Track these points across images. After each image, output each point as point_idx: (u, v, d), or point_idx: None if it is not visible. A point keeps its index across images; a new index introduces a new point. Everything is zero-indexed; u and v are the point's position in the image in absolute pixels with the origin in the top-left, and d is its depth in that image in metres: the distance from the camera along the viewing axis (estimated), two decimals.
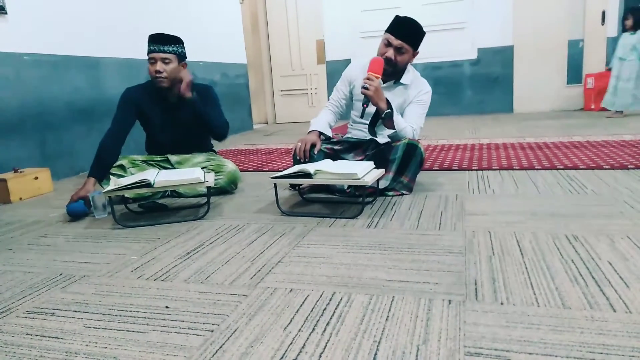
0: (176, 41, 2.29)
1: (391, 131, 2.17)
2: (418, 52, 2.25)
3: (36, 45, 3.09)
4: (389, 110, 2.11)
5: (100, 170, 2.26)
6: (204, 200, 2.32)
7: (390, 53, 2.16)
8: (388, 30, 2.19)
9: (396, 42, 2.15)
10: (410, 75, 2.30)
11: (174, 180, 1.95)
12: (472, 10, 6.06)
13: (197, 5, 4.95)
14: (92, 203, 2.13)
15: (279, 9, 6.79)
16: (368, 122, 2.22)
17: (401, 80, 2.27)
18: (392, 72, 2.22)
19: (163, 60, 2.25)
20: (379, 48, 2.23)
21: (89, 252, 1.68)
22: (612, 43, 5.86)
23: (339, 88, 2.43)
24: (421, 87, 2.30)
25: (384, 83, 2.27)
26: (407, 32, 2.16)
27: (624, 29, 4.84)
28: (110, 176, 2.20)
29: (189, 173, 2.02)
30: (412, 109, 2.27)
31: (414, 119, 2.23)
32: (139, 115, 2.40)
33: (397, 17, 2.19)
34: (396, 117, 2.14)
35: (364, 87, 2.08)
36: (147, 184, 1.90)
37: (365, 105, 2.12)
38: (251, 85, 6.47)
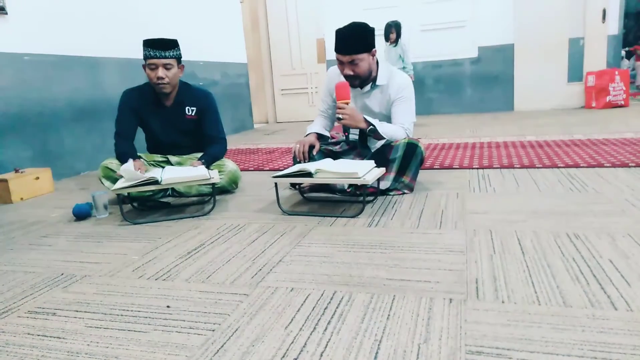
0: (175, 45, 2.27)
1: (384, 140, 2.16)
2: (375, 49, 2.16)
3: (36, 45, 3.09)
4: (372, 126, 2.10)
5: (128, 157, 2.26)
6: (204, 199, 2.33)
7: (347, 70, 2.12)
8: (335, 50, 2.13)
9: (345, 58, 2.09)
10: (386, 74, 2.24)
11: (181, 178, 1.96)
12: (472, 8, 6.05)
13: (198, 4, 4.95)
14: (93, 203, 2.13)
15: (279, 8, 6.78)
16: (356, 137, 2.23)
17: (377, 82, 2.22)
18: (362, 81, 2.19)
19: (165, 65, 2.23)
20: (337, 68, 2.20)
21: (90, 251, 1.68)
22: (613, 41, 5.86)
23: (323, 99, 2.41)
24: (399, 82, 2.23)
25: (361, 89, 2.24)
26: (350, 43, 2.07)
27: (388, 42, 5.17)
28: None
29: (194, 170, 2.03)
30: (398, 108, 2.23)
31: (402, 118, 2.21)
32: (138, 118, 2.39)
33: (336, 32, 2.10)
34: (381, 128, 2.12)
35: (338, 119, 2.08)
36: (154, 182, 1.91)
37: (346, 134, 2.12)
38: (251, 85, 6.47)
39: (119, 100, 2.37)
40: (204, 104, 2.42)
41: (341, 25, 2.09)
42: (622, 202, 1.82)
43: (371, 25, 2.13)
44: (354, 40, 2.08)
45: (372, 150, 2.26)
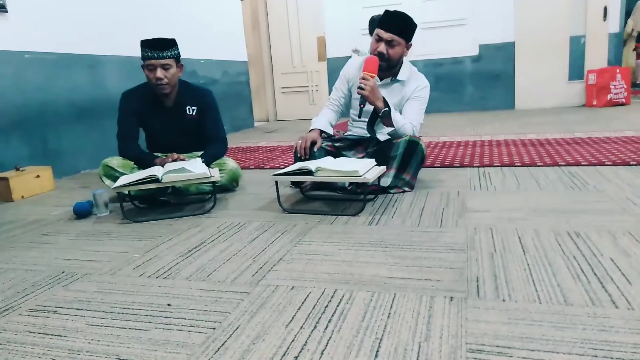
0: (173, 44, 2.25)
1: (390, 129, 2.16)
2: (411, 45, 2.23)
3: (37, 43, 3.08)
4: (387, 108, 2.11)
5: (149, 156, 2.30)
6: (205, 197, 2.33)
7: (381, 47, 2.15)
8: (378, 25, 2.18)
9: (386, 35, 2.13)
10: (407, 71, 2.28)
11: (182, 176, 1.96)
12: (473, 6, 6.04)
13: (198, 3, 4.94)
14: (93, 201, 2.13)
15: (280, 6, 6.77)
16: (367, 120, 2.22)
17: (398, 77, 2.26)
18: (387, 67, 2.21)
19: (163, 66, 2.21)
20: (371, 45, 2.22)
21: (91, 250, 1.68)
22: (614, 39, 5.85)
23: (337, 87, 2.42)
24: (418, 82, 2.28)
25: (380, 80, 2.27)
26: (396, 24, 2.14)
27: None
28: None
29: (192, 165, 2.02)
30: (411, 105, 2.26)
31: (413, 115, 2.23)
32: (139, 119, 2.39)
33: (386, 11, 2.18)
34: (394, 115, 2.13)
35: (359, 88, 2.08)
36: (154, 180, 1.92)
37: (362, 105, 2.13)
38: (252, 83, 6.46)
39: (119, 101, 2.37)
40: (205, 103, 2.41)
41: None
42: (623, 201, 1.82)
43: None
44: (402, 23, 2.15)
45: (377, 135, 2.26)
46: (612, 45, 5.85)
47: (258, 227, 1.80)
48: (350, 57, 3.56)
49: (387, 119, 2.13)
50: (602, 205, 1.78)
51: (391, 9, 2.22)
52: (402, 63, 2.27)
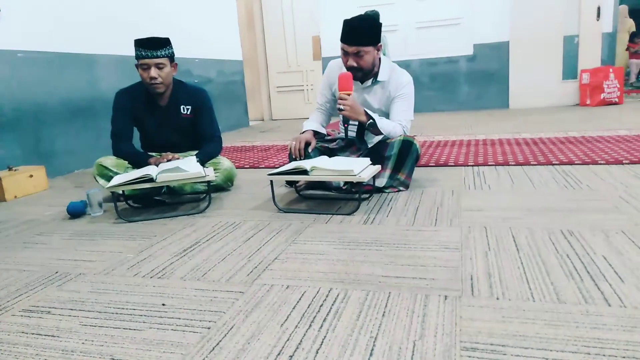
0: (167, 43, 2.24)
1: (381, 136, 2.16)
2: (381, 45, 2.18)
3: (30, 42, 3.06)
4: (371, 120, 2.10)
5: (143, 156, 2.30)
6: (200, 197, 2.32)
7: (350, 61, 2.11)
8: (341, 40, 2.12)
9: (351, 48, 2.09)
10: (387, 70, 2.24)
11: (176, 176, 1.96)
12: (468, 5, 6.05)
13: (193, 2, 4.93)
14: (87, 201, 2.12)
15: (275, 5, 6.76)
16: (354, 132, 2.22)
17: (378, 78, 2.22)
18: (364, 74, 2.18)
19: (157, 65, 2.20)
20: (341, 58, 2.19)
21: (85, 250, 1.67)
22: (608, 38, 5.88)
23: (322, 92, 2.40)
24: (400, 79, 2.24)
25: (362, 84, 2.25)
26: (358, 35, 2.08)
27: None
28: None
29: (187, 164, 2.02)
30: (397, 105, 2.23)
31: (400, 115, 2.21)
32: (133, 119, 2.38)
33: (344, 22, 2.11)
34: (380, 123, 2.12)
35: (339, 109, 2.07)
36: (149, 179, 1.91)
37: (346, 125, 2.11)
38: (247, 82, 6.45)
39: (113, 101, 2.36)
40: (199, 102, 2.40)
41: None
42: (616, 199, 1.83)
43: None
44: (362, 31, 2.08)
45: (369, 145, 2.26)
46: (606, 44, 5.88)
47: (253, 227, 1.80)
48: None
49: (374, 129, 2.13)
50: (595, 204, 1.79)
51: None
52: (380, 63, 2.23)
